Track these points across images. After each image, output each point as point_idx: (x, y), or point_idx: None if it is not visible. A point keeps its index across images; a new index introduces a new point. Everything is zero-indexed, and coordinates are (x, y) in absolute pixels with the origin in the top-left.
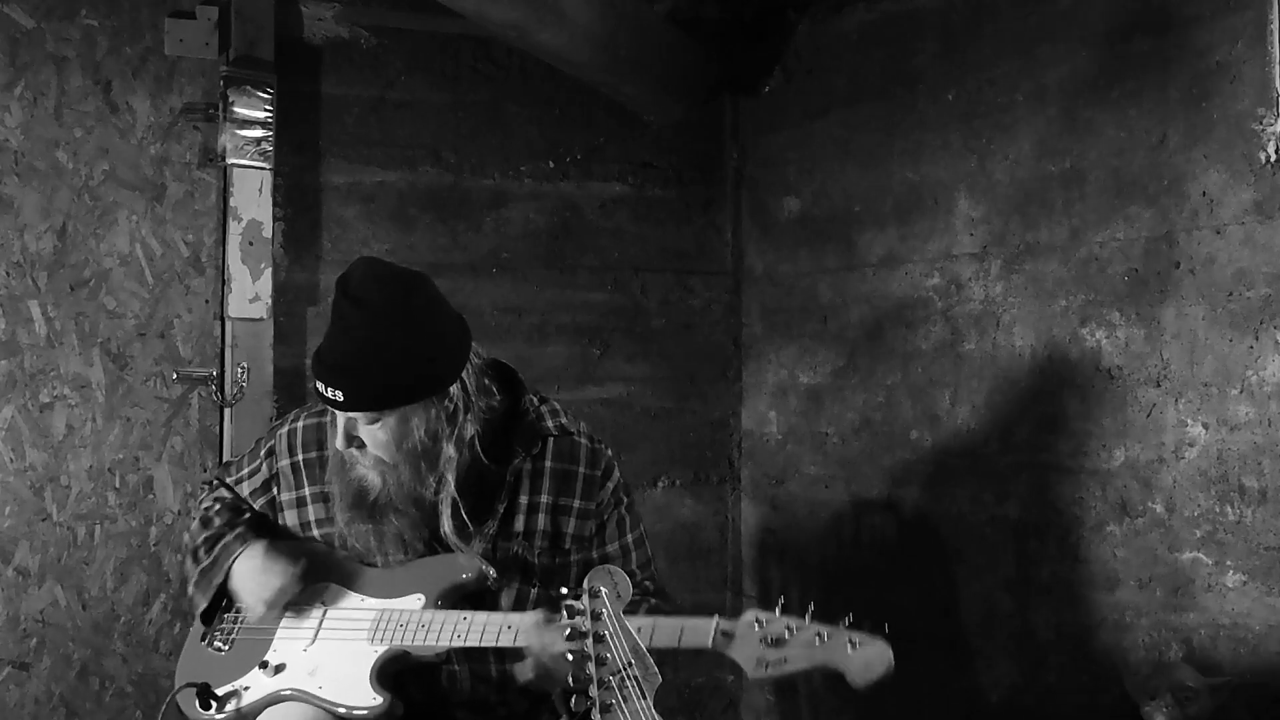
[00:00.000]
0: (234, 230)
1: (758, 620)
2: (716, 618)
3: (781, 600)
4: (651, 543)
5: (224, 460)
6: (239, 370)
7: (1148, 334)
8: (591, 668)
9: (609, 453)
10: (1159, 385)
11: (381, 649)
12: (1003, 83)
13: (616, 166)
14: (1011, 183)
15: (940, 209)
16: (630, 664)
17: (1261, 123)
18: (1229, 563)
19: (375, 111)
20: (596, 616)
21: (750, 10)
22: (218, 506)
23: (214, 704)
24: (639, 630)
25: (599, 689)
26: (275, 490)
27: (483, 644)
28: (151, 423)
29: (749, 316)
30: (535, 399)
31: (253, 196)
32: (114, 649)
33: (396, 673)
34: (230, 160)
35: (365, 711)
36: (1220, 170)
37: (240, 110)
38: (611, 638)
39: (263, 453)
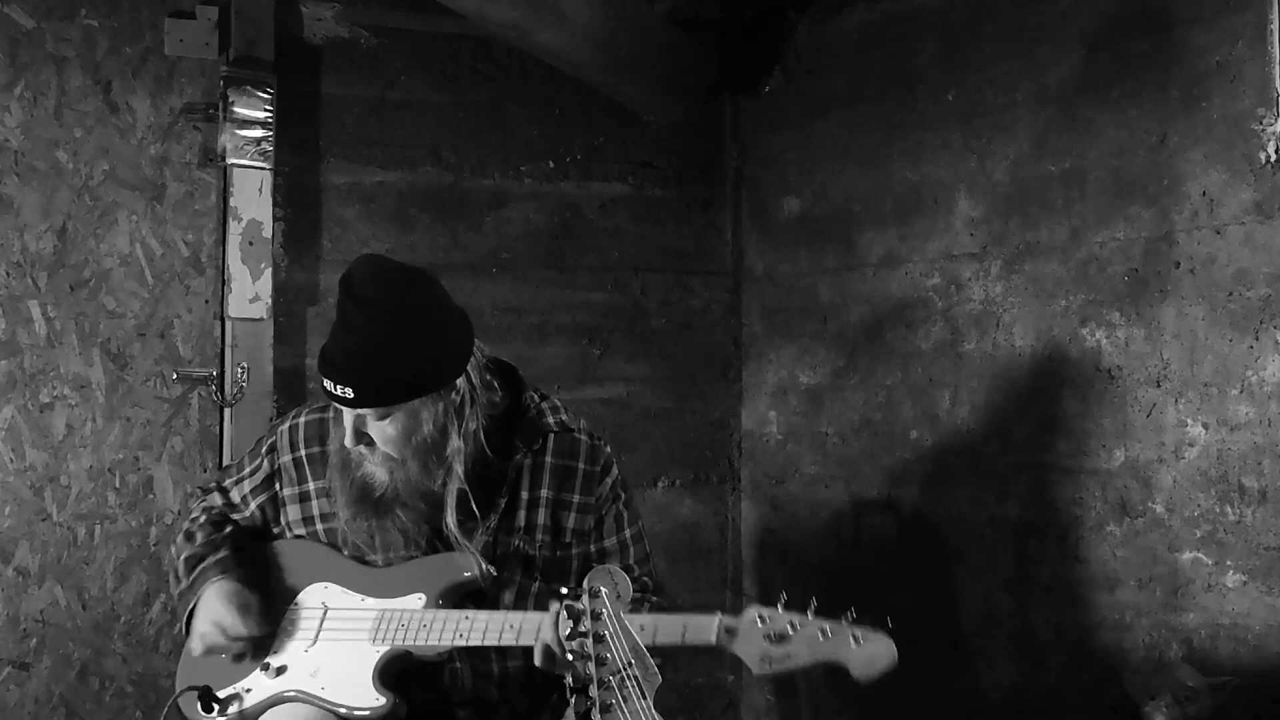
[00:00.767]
0: (234, 230)
1: (761, 617)
2: (720, 614)
3: (784, 597)
4: (651, 542)
5: (224, 463)
6: (239, 370)
7: (1148, 334)
8: (591, 668)
9: (608, 449)
10: (1159, 385)
11: (383, 649)
12: (1002, 82)
13: (616, 166)
14: (1011, 183)
15: (940, 209)
16: (630, 664)
17: (1261, 123)
18: (1229, 563)
19: (375, 111)
20: (596, 616)
21: (750, 10)
22: (202, 519)
23: (216, 707)
24: (642, 628)
25: (599, 689)
26: (277, 486)
27: (485, 643)
28: (151, 423)
29: (749, 316)
30: (536, 396)
31: (253, 196)
32: (114, 649)
33: (399, 672)
34: (230, 160)
35: (368, 712)
36: (1220, 170)
37: (240, 110)
38: (611, 638)
39: (264, 450)
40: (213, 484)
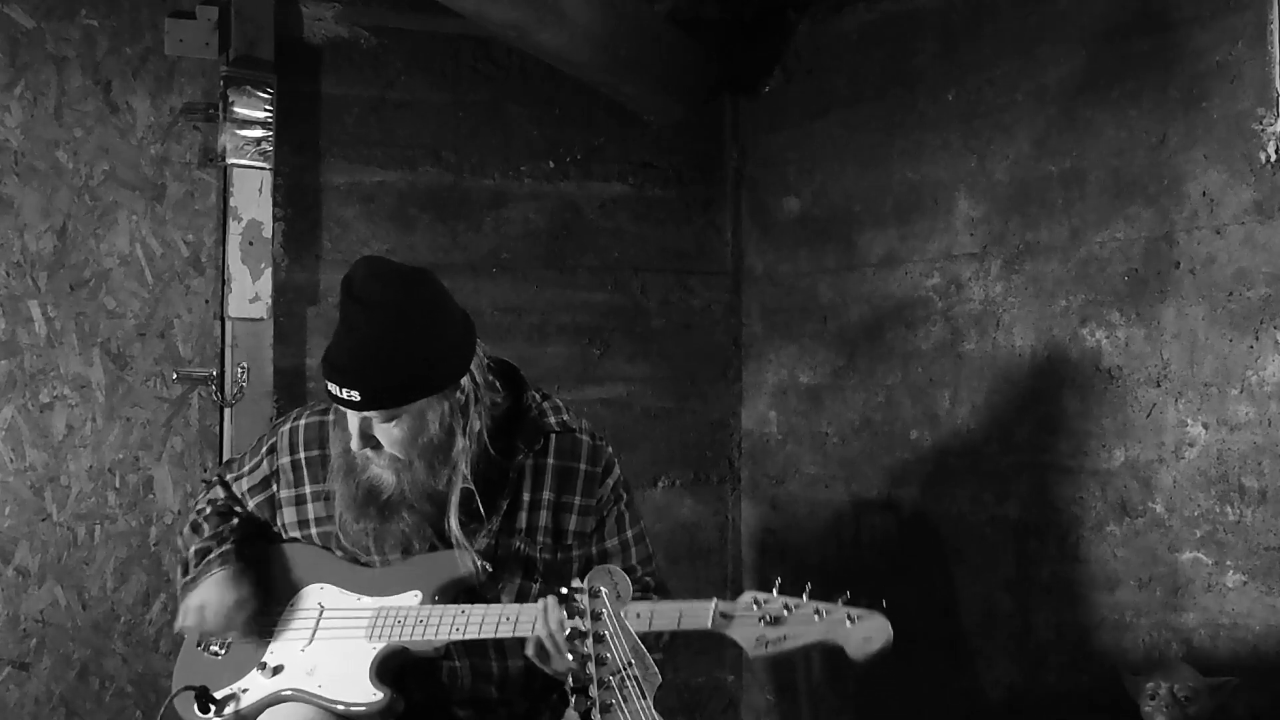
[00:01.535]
0: (234, 230)
1: (756, 600)
2: (715, 600)
3: (779, 581)
4: (652, 542)
5: (225, 460)
6: (239, 370)
7: (1148, 334)
8: (591, 668)
9: (609, 449)
10: (1159, 385)
11: (380, 645)
12: (1002, 83)
13: (616, 166)
14: (1011, 182)
15: (940, 209)
16: (630, 664)
17: (1261, 123)
18: (1229, 563)
19: (375, 111)
20: (596, 616)
21: (750, 10)
22: (209, 510)
23: (213, 707)
24: (639, 615)
25: (599, 689)
26: (274, 487)
27: (481, 635)
28: (151, 423)
29: (749, 316)
30: (538, 395)
31: (253, 196)
32: (114, 649)
33: (397, 669)
34: (230, 160)
35: (365, 708)
36: (1220, 170)
37: (240, 110)
38: (611, 638)
39: (264, 449)
40: (215, 477)
